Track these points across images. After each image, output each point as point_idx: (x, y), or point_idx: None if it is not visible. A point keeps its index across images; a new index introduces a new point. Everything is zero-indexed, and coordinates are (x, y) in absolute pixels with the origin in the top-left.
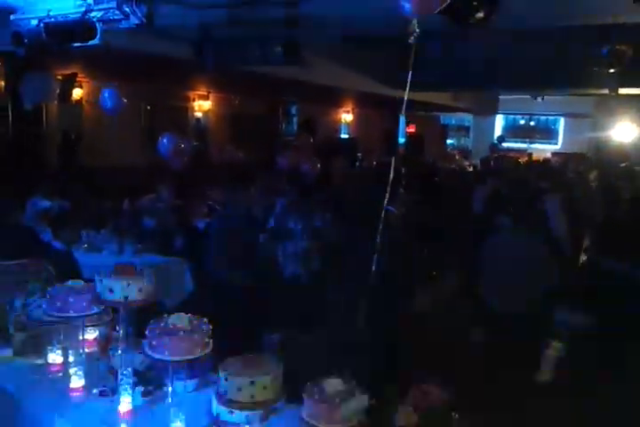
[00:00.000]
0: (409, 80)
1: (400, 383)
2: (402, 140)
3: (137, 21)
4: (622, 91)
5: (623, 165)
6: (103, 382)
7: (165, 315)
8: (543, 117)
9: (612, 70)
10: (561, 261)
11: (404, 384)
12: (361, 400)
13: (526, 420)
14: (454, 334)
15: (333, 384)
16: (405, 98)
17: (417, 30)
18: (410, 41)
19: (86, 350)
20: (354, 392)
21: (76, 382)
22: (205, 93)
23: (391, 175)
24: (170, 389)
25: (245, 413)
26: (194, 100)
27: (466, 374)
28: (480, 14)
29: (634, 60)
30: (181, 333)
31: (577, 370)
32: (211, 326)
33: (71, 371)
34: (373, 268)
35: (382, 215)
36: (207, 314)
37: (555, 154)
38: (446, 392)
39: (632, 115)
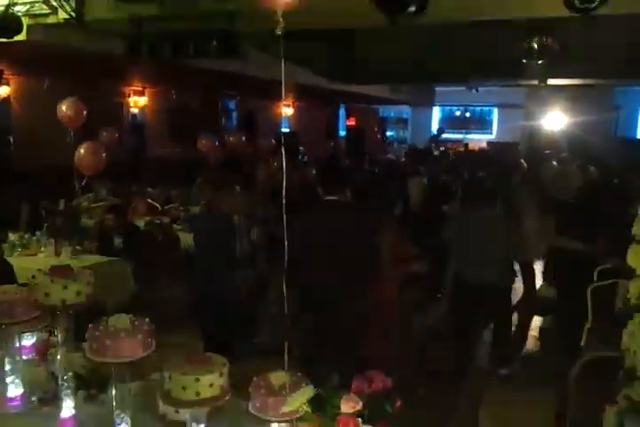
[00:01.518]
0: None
1: (345, 372)
2: (343, 133)
3: (66, 16)
4: (551, 81)
5: (547, 152)
6: (43, 388)
7: (105, 317)
8: (478, 108)
9: (540, 62)
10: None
11: (348, 373)
12: (307, 391)
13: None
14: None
15: (279, 377)
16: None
17: (281, 21)
18: (277, 32)
19: (24, 357)
20: (300, 384)
21: (14, 391)
22: (141, 89)
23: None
24: (114, 392)
25: (192, 411)
26: (129, 95)
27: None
28: (412, 8)
29: (560, 52)
30: (122, 334)
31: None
32: (153, 326)
33: (8, 380)
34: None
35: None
36: (150, 314)
37: (490, 143)
38: (389, 379)
39: (562, 104)
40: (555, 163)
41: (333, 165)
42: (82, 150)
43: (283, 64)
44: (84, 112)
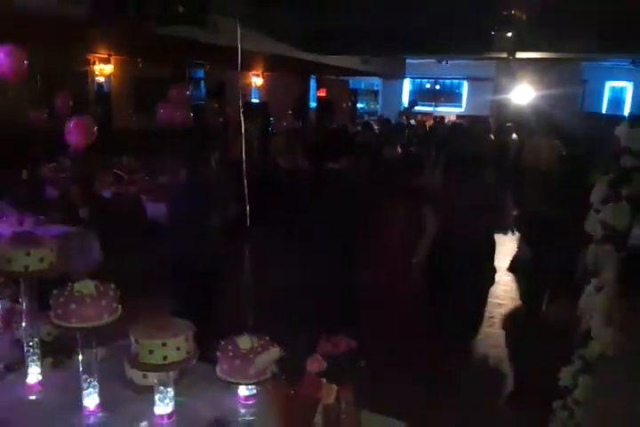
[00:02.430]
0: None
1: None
2: (313, 104)
3: None
4: (520, 55)
5: (509, 124)
6: (9, 356)
7: (70, 283)
8: (448, 81)
9: (508, 34)
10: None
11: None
12: (273, 353)
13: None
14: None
15: (246, 340)
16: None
17: None
18: None
19: None
20: (267, 347)
21: None
22: (106, 56)
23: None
24: (80, 357)
25: (159, 375)
26: (94, 63)
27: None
28: None
29: (529, 25)
30: (87, 299)
31: None
32: (119, 292)
33: None
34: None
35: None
36: (117, 282)
37: (460, 117)
38: (355, 342)
39: (530, 77)
40: (515, 136)
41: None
42: (72, 124)
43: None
44: (25, 62)
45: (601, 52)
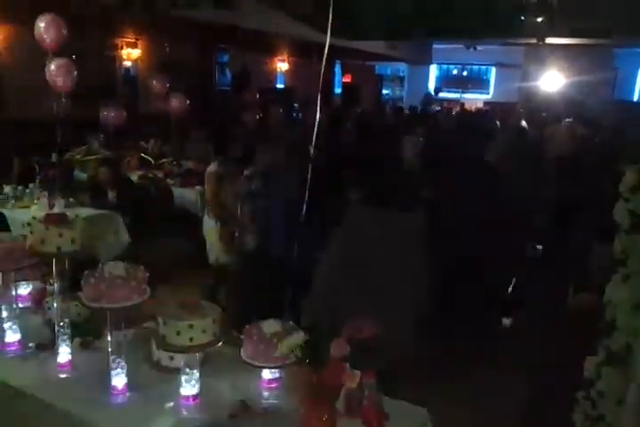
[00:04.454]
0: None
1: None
2: (338, 90)
3: None
4: (550, 40)
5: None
6: (40, 335)
7: (100, 264)
8: (476, 67)
9: (539, 19)
10: None
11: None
12: (297, 337)
13: None
14: None
15: (271, 325)
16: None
17: None
18: None
19: (20, 304)
20: (291, 331)
21: (11, 336)
22: (134, 41)
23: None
24: (109, 338)
25: (185, 356)
26: (122, 48)
27: None
28: None
29: (560, 9)
30: (118, 280)
31: None
32: (148, 274)
33: (5, 326)
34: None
35: None
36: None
37: (486, 103)
38: (379, 328)
39: (560, 64)
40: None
41: None
42: (53, 66)
43: None
44: (64, 31)
45: (633, 39)
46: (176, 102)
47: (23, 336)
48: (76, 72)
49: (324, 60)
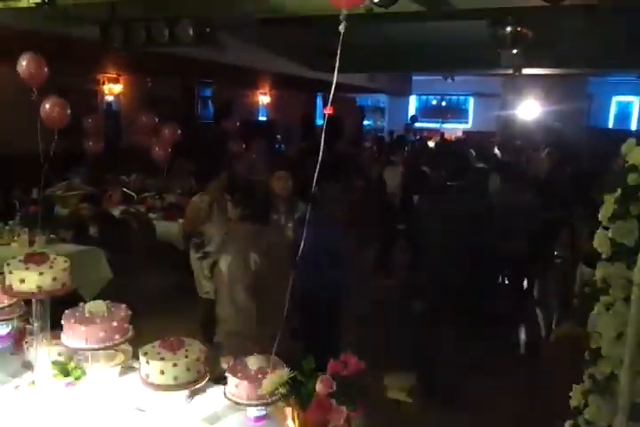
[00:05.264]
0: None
1: (320, 355)
2: (320, 122)
3: (37, 0)
4: (526, 71)
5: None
6: (19, 376)
7: (82, 303)
8: (454, 98)
9: (514, 51)
10: None
11: (323, 356)
12: (282, 374)
13: None
14: None
15: (255, 361)
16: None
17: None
18: (340, 29)
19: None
20: (275, 367)
21: None
22: (115, 76)
23: None
24: (91, 377)
25: (169, 395)
26: (104, 83)
27: None
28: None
29: (535, 41)
30: (98, 320)
31: None
32: (130, 312)
33: None
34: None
35: None
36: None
37: (465, 133)
38: (363, 361)
39: (536, 93)
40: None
41: None
42: (47, 105)
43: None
44: (45, 69)
45: (605, 67)
46: (168, 133)
47: (1, 378)
48: (69, 110)
49: (331, 95)
